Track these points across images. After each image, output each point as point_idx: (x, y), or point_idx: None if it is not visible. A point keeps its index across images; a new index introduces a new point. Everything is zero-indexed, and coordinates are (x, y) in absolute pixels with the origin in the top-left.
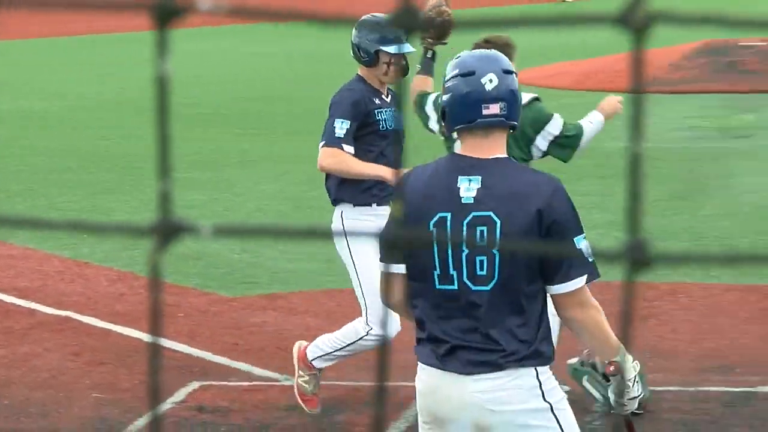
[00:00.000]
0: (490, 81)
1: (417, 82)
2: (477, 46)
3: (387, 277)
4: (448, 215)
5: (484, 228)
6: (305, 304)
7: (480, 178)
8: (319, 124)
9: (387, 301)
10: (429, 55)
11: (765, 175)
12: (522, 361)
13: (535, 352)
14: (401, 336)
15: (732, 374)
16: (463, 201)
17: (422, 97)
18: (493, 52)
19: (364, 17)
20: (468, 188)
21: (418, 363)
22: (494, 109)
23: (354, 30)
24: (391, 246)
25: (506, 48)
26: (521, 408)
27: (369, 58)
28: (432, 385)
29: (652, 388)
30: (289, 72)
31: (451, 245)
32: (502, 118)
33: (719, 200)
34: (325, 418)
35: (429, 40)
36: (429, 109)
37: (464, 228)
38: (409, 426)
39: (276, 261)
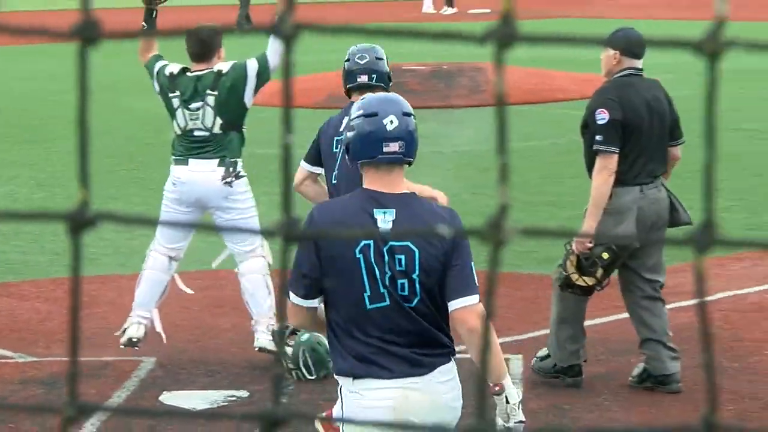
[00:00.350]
0: (391, 122)
1: (144, 44)
2: (189, 33)
3: (301, 311)
4: (371, 243)
5: (403, 256)
6: (35, 291)
7: (394, 211)
8: (43, 134)
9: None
10: (153, 15)
11: (425, 177)
12: (454, 354)
13: (454, 346)
14: (122, 317)
15: None
16: (381, 231)
17: (154, 60)
18: (395, 95)
19: (374, 47)
20: (384, 220)
21: (355, 382)
22: (394, 147)
23: (380, 61)
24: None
25: (214, 37)
26: (461, 401)
27: (391, 82)
28: (401, 398)
29: None
30: (23, 88)
31: (378, 268)
32: (401, 155)
33: None
34: (54, 390)
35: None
36: (154, 76)
37: (385, 254)
38: (129, 394)
39: (8, 253)
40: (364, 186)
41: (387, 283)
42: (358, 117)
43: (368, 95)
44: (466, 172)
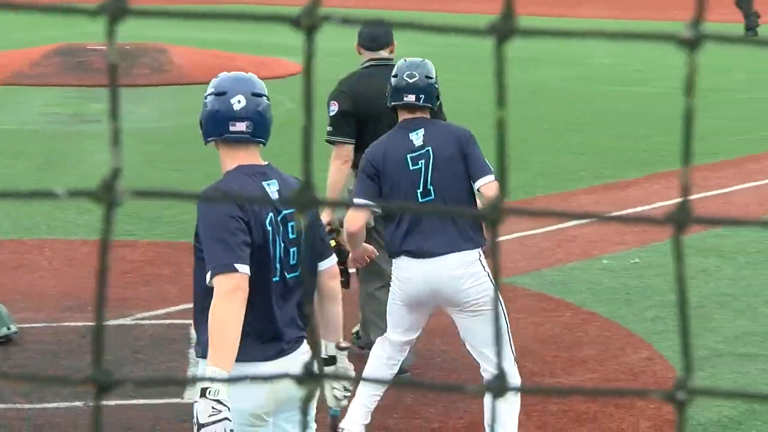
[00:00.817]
0: (239, 102)
1: None
2: None
3: (246, 280)
4: (272, 214)
5: (293, 223)
6: None
7: (275, 181)
8: None
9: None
10: None
11: (102, 153)
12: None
13: None
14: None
15: (86, 311)
16: (274, 201)
17: None
18: (249, 75)
19: (425, 63)
20: (271, 191)
21: (250, 363)
22: (241, 126)
23: (429, 80)
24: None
25: None
26: None
27: (439, 101)
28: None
29: (21, 325)
30: None
31: (279, 238)
32: (248, 135)
33: (76, 171)
34: None
35: None
36: None
37: (280, 224)
38: None
39: None
40: (229, 165)
41: (283, 254)
42: (210, 95)
43: (222, 74)
44: (149, 147)
